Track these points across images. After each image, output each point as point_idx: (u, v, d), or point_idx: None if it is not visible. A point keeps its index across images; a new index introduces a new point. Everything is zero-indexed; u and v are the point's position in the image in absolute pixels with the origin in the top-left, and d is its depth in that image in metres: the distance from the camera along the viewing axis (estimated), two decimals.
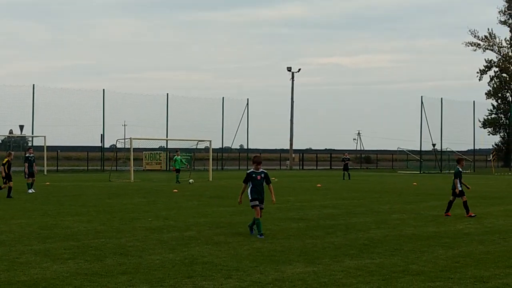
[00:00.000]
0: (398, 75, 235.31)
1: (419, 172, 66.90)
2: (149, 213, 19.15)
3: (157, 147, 72.83)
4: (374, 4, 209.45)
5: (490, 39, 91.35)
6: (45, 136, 54.98)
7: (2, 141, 68.66)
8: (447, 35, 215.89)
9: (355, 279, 9.62)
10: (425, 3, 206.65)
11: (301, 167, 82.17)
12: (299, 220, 17.57)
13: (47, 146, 54.70)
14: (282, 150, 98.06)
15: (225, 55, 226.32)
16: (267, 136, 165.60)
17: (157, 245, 12.71)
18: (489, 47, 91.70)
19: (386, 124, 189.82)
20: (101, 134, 64.25)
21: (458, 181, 19.05)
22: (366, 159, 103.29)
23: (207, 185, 36.66)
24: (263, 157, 51.15)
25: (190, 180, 37.61)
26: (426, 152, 73.74)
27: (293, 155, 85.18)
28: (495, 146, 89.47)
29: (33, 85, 58.73)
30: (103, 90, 62.45)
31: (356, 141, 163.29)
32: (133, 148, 44.50)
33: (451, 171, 68.99)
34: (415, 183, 40.07)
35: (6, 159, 25.49)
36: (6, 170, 24.99)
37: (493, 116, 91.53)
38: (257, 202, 14.09)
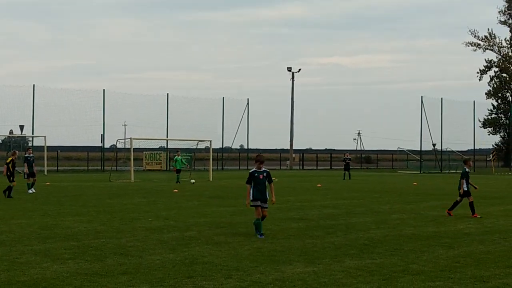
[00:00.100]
0: (398, 75, 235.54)
1: (419, 172, 66.90)
2: (149, 213, 19.15)
3: (157, 147, 72.84)
4: (374, 4, 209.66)
5: (490, 39, 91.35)
6: (45, 136, 55.01)
7: (2, 141, 68.66)
8: (447, 35, 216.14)
9: (355, 279, 9.62)
10: (425, 3, 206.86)
11: (301, 167, 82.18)
12: (299, 220, 17.57)
13: (47, 146, 54.72)
14: (282, 150, 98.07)
15: (225, 55, 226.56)
16: (267, 136, 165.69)
17: (158, 245, 12.71)
18: (489, 47, 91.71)
19: (386, 124, 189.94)
20: (101, 134, 64.31)
21: (464, 181, 19.02)
22: (366, 159, 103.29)
23: (207, 185, 36.67)
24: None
25: (192, 180, 37.61)
26: (426, 152, 73.76)
27: (293, 155, 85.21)
28: (495, 146, 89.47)
29: (33, 85, 58.82)
30: (103, 90, 62.56)
31: (356, 141, 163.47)
32: (133, 148, 44.48)
33: (451, 171, 69.21)
34: (415, 183, 40.08)
35: (10, 158, 25.86)
36: (11, 169, 25.18)
37: (493, 116, 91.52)
38: (258, 202, 14.05)
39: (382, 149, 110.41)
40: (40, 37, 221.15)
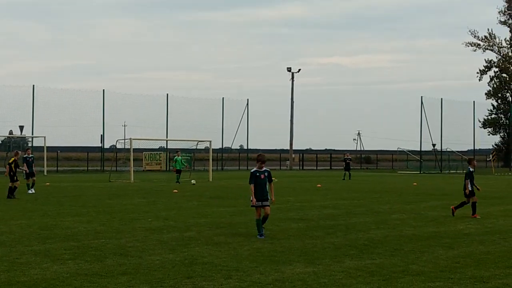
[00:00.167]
0: (398, 75, 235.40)
1: (419, 172, 66.91)
2: (149, 214, 19.15)
3: (157, 147, 72.84)
4: (374, 4, 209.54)
5: (490, 39, 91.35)
6: (45, 137, 54.98)
7: (2, 141, 68.62)
8: (447, 35, 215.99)
9: (355, 279, 9.62)
10: (425, 3, 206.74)
11: (301, 167, 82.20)
12: (299, 221, 17.57)
13: (47, 147, 54.72)
14: (282, 150, 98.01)
15: (225, 55, 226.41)
16: (267, 136, 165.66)
17: (157, 246, 12.71)
18: (489, 47, 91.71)
19: (386, 124, 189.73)
20: (101, 135, 64.32)
21: (469, 182, 18.99)
22: (366, 159, 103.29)
23: (207, 185, 36.66)
24: None
25: (192, 181, 37.61)
26: (426, 152, 73.76)
27: (293, 155, 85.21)
28: (495, 146, 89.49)
29: (33, 85, 58.81)
30: (103, 90, 62.55)
31: (356, 141, 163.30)
32: (133, 149, 44.49)
33: (451, 171, 69.22)
34: (415, 183, 40.08)
35: (12, 159, 26.01)
36: (14, 169, 25.26)
37: (493, 116, 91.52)
38: (259, 203, 14.06)
39: (382, 149, 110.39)
40: (40, 37, 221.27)
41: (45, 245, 12.68)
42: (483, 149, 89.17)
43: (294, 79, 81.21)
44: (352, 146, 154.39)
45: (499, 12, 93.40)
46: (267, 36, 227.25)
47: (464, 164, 72.12)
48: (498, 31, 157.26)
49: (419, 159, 71.29)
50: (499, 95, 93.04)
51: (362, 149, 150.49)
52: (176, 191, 30.12)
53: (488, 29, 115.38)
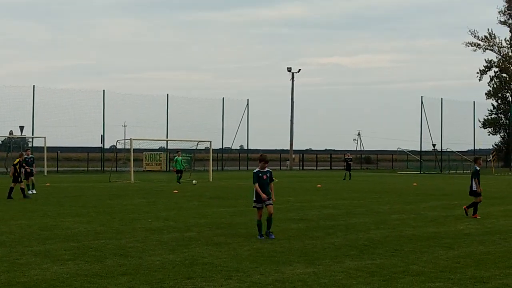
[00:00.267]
0: (398, 75, 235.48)
1: (419, 172, 66.91)
2: (149, 214, 19.15)
3: (157, 147, 72.83)
4: (374, 4, 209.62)
5: (490, 39, 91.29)
6: (45, 137, 55.00)
7: (2, 142, 68.52)
8: (447, 35, 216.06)
9: (355, 279, 9.62)
10: (425, 3, 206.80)
11: (301, 167, 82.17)
12: (299, 221, 17.56)
13: (47, 147, 54.72)
14: (282, 151, 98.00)
15: (225, 55, 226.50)
16: (267, 136, 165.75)
17: (157, 246, 12.71)
18: (489, 47, 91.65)
19: (386, 124, 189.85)
20: (101, 135, 64.29)
21: (476, 180, 18.95)
22: (366, 160, 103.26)
23: (207, 185, 36.66)
24: None
25: (194, 181, 37.60)
26: (426, 152, 73.73)
27: (293, 155, 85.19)
28: (495, 146, 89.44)
29: (33, 85, 58.77)
30: (103, 90, 62.51)
31: (356, 141, 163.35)
32: (133, 149, 44.47)
33: (451, 172, 69.20)
34: (415, 184, 40.07)
35: (17, 160, 26.06)
36: (18, 170, 25.35)
37: (493, 116, 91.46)
38: (260, 204, 14.04)
39: (382, 149, 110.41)
40: (40, 37, 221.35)
41: (45, 246, 12.68)
42: (483, 149, 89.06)
43: (294, 79, 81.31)
44: (352, 146, 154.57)
45: (499, 12, 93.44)
46: (267, 36, 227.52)
47: (464, 164, 72.26)
48: (498, 31, 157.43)
49: (419, 159, 71.28)
50: (499, 95, 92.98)
51: (362, 149, 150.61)
52: (176, 191, 30.12)
53: (488, 29, 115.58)
